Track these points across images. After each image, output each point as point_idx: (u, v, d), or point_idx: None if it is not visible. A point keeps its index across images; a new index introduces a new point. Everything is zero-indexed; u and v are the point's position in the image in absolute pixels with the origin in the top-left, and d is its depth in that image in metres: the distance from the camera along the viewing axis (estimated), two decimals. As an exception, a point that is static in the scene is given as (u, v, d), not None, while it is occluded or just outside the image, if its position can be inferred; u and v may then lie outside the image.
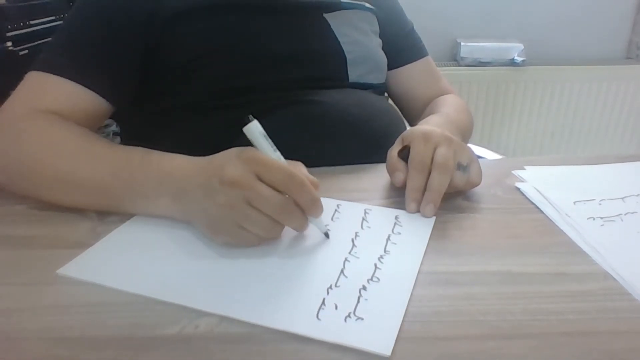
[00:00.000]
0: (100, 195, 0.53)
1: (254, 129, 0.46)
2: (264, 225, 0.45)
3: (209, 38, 0.68)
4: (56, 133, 0.57)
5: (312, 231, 0.50)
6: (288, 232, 0.50)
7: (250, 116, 0.46)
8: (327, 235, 0.49)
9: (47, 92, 0.61)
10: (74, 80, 0.62)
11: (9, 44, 1.08)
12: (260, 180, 0.44)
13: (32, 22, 1.16)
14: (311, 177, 0.49)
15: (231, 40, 0.68)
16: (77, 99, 0.62)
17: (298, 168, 0.48)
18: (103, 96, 0.64)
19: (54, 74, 0.61)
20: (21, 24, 1.13)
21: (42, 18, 1.18)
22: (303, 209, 0.46)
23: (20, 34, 1.12)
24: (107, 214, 0.53)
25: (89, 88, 0.62)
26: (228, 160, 0.46)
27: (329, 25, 0.75)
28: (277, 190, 0.45)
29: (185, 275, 0.44)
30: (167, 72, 0.68)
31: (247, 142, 0.47)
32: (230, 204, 0.44)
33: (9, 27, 1.10)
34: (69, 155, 0.55)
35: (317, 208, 0.47)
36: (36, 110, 0.59)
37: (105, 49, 0.65)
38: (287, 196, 0.45)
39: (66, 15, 0.67)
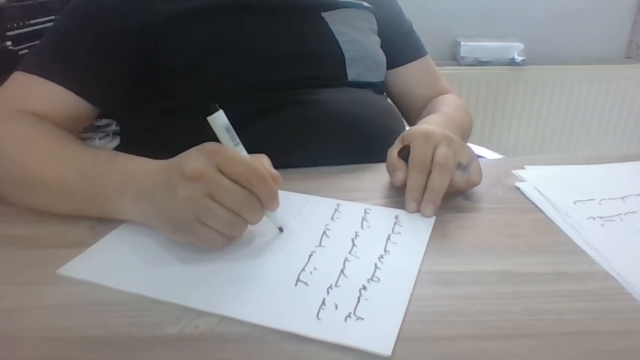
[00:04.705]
0: (65, 197, 0.52)
1: (217, 120, 0.45)
2: (225, 220, 0.44)
3: (207, 40, 0.68)
4: (27, 131, 0.56)
5: (312, 232, 0.50)
6: (288, 232, 0.50)
7: (216, 105, 0.45)
8: (281, 229, 0.50)
9: (29, 92, 0.61)
10: (58, 83, 0.61)
11: (9, 43, 1.08)
12: (222, 173, 0.43)
13: (31, 21, 1.15)
14: (273, 170, 0.47)
15: (229, 41, 0.68)
16: (59, 101, 0.61)
17: (260, 161, 0.47)
18: (87, 100, 0.63)
19: (39, 75, 0.61)
20: (21, 23, 1.13)
21: (42, 17, 1.18)
22: (262, 203, 0.45)
23: (20, 33, 1.12)
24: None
25: (74, 92, 0.62)
26: (188, 155, 0.45)
27: (327, 24, 0.75)
28: (238, 184, 0.44)
29: (186, 275, 0.44)
30: (166, 74, 0.68)
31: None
32: (191, 197, 0.43)
33: (9, 26, 1.10)
34: (37, 153, 0.54)
35: (275, 203, 0.47)
36: (15, 110, 0.59)
37: (93, 54, 0.65)
38: (248, 190, 0.44)
39: (58, 16, 0.67)
